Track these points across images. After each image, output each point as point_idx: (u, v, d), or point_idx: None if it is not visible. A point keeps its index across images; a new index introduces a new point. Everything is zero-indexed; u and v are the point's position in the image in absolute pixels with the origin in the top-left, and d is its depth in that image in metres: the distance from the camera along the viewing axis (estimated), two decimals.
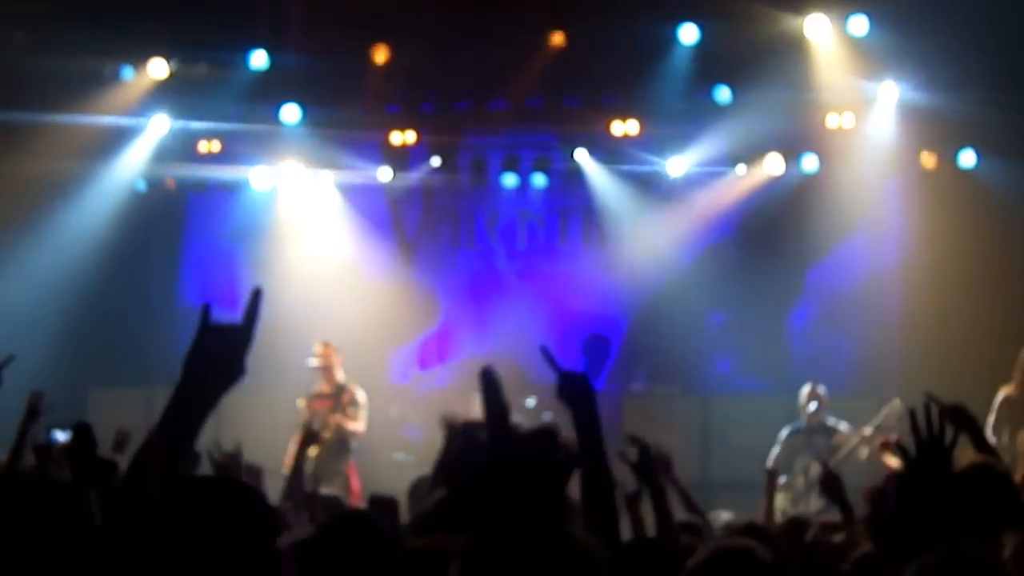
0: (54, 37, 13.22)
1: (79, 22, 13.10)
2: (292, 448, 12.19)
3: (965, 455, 4.75)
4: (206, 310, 3.04)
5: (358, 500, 11.83)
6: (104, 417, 13.05)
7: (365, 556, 3.85)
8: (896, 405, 11.70)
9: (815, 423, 12.23)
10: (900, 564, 3.46)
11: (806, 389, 12.36)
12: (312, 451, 12.31)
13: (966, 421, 5.53)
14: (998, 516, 4.47)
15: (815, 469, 10.12)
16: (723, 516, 7.50)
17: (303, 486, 7.71)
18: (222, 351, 3.00)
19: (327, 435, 12.31)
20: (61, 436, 4.79)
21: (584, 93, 14.40)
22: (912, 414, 3.75)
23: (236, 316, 3.04)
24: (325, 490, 8.74)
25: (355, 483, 12.49)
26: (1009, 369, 10.86)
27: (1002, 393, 10.58)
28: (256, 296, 3.04)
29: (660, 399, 14.70)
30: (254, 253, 15.73)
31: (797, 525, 7.00)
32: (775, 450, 12.13)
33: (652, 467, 5.38)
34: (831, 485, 7.18)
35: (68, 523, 3.20)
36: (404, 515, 6.17)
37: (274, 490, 7.12)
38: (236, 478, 5.33)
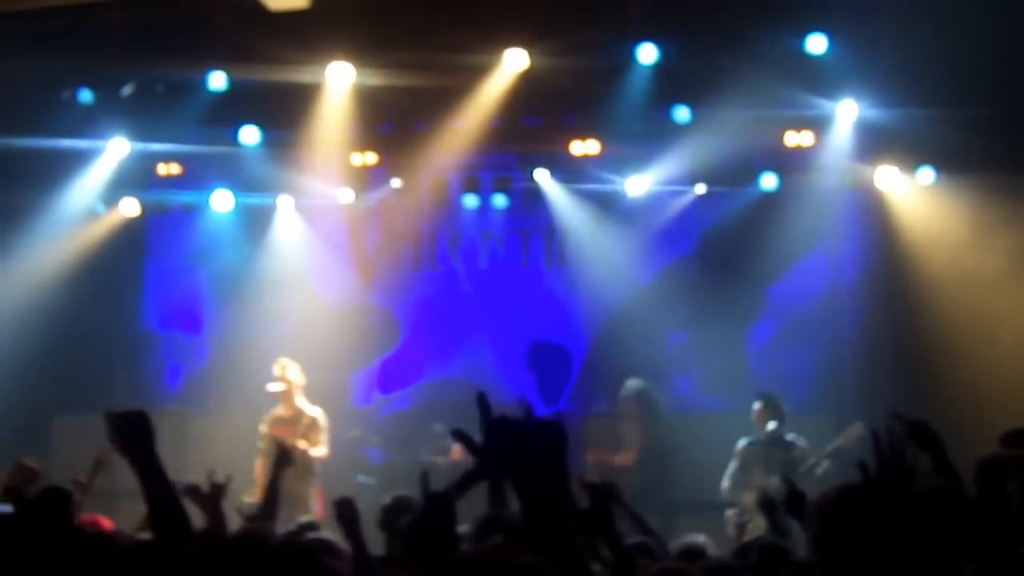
0: (10, 61, 13.13)
1: (35, 45, 13.02)
2: (261, 471, 12.17)
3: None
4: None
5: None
6: (70, 445, 13.02)
7: None
8: (857, 428, 11.58)
9: (774, 436, 12.04)
10: None
11: (757, 404, 12.20)
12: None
13: (928, 439, 5.49)
14: (957, 543, 4.31)
15: (775, 482, 9.99)
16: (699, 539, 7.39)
17: (277, 508, 7.64)
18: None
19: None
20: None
21: (544, 113, 14.43)
22: (875, 433, 3.71)
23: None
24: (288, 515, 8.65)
25: (320, 508, 12.40)
26: (969, 387, 10.81)
27: None
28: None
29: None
30: (215, 275, 15.68)
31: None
32: (732, 464, 12.00)
33: (599, 496, 5.18)
34: (795, 503, 7.13)
35: None
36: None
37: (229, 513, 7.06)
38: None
